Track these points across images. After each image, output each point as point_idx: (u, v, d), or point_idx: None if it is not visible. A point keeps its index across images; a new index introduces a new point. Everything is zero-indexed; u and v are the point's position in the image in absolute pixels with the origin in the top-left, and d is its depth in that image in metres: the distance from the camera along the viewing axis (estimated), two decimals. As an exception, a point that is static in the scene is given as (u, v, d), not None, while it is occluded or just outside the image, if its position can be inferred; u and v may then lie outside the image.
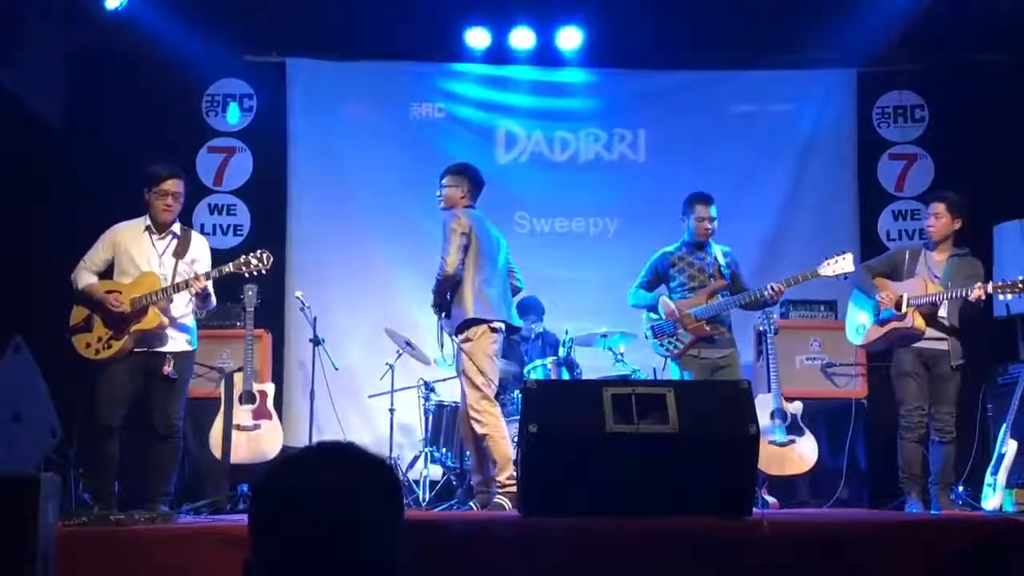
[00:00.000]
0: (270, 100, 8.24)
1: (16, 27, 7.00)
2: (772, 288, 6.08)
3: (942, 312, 6.00)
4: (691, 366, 6.22)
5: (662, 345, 6.31)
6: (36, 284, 6.55)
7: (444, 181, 6.05)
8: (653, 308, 6.37)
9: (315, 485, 1.59)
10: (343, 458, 1.63)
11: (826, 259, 6.12)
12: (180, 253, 5.65)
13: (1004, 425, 6.06)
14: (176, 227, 5.72)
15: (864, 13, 7.51)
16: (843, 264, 6.07)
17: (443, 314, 5.94)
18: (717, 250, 6.37)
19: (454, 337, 5.89)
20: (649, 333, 6.37)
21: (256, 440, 6.61)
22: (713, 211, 6.31)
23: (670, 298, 6.33)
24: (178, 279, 5.56)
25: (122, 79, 7.76)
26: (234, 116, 8.27)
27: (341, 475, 1.60)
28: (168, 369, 5.53)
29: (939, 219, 6.10)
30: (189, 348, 5.72)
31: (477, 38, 8.14)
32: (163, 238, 5.67)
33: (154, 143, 7.30)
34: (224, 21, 7.56)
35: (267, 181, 8.23)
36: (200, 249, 5.77)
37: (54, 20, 7.22)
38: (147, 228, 5.66)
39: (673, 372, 6.31)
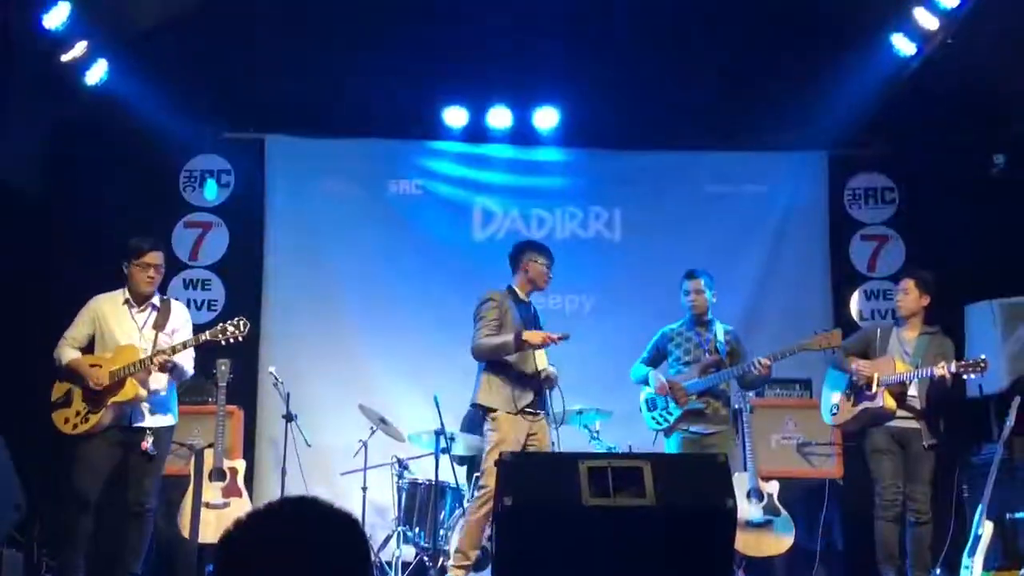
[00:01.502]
0: (248, 176, 8.28)
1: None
2: (758, 362, 6.07)
3: (912, 391, 6.04)
4: (679, 441, 6.18)
5: (654, 419, 6.30)
6: (10, 359, 6.46)
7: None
8: (647, 381, 6.37)
9: (282, 538, 1.56)
10: (309, 512, 1.61)
11: (814, 333, 6.15)
12: (160, 325, 5.59)
13: (980, 506, 6.03)
14: (156, 299, 5.68)
15: (835, 97, 7.67)
16: (831, 339, 6.08)
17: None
18: (719, 327, 6.39)
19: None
20: (644, 406, 6.37)
21: (225, 518, 6.46)
22: (695, 285, 6.33)
23: (666, 373, 6.33)
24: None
25: (101, 154, 7.79)
26: (211, 192, 8.29)
27: (308, 528, 1.58)
28: (147, 445, 5.43)
29: (908, 295, 6.20)
30: (169, 424, 5.63)
31: (455, 117, 8.24)
32: (143, 311, 5.62)
33: (132, 217, 7.30)
34: (203, 98, 7.63)
35: (243, 256, 8.22)
36: (180, 318, 5.72)
37: (34, 94, 7.25)
38: (126, 301, 5.60)
39: (667, 446, 6.27)
